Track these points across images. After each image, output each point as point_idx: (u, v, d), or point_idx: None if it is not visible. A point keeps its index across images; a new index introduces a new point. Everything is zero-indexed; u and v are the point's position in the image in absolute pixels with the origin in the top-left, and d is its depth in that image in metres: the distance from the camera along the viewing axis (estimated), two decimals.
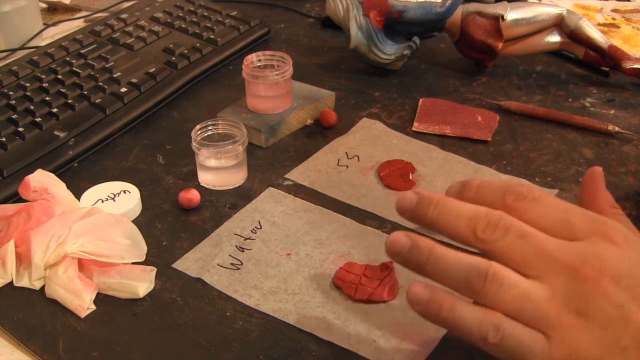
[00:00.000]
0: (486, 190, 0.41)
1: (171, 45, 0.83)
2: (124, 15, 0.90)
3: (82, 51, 0.81)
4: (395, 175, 0.65)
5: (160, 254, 0.56)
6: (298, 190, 0.63)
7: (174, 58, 0.81)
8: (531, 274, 0.37)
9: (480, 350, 0.47)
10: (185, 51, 0.82)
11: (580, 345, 0.37)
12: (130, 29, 0.87)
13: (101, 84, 0.75)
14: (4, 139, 0.66)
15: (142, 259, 0.55)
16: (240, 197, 0.63)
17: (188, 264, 0.55)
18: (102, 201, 0.60)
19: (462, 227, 0.39)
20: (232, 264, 0.55)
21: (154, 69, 0.78)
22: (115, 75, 0.76)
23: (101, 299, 0.52)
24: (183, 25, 0.88)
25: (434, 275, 0.39)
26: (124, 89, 0.74)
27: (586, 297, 0.36)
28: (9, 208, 0.58)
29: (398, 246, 0.39)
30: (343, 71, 0.84)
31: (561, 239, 0.38)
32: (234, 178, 0.64)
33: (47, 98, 0.72)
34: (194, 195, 0.61)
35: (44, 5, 1.04)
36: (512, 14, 0.78)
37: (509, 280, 0.37)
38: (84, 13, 1.03)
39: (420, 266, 0.39)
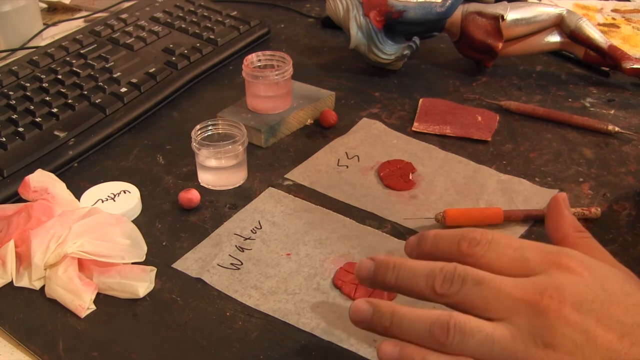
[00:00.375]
0: (442, 241, 0.42)
1: (171, 45, 0.83)
2: (124, 15, 0.90)
3: (82, 51, 0.81)
4: (395, 175, 0.65)
5: (160, 254, 0.56)
6: (298, 190, 0.63)
7: (174, 58, 0.81)
8: (494, 317, 0.38)
9: None
10: (185, 51, 0.82)
11: None
12: (130, 29, 0.87)
13: (101, 84, 0.75)
14: (4, 139, 0.66)
15: (142, 259, 0.55)
16: (240, 197, 0.63)
17: (188, 264, 0.55)
18: (102, 201, 0.60)
19: (422, 286, 0.40)
20: (232, 264, 0.55)
21: (154, 69, 0.78)
22: (115, 75, 0.76)
23: (101, 299, 0.52)
24: (183, 25, 0.88)
25: (401, 335, 0.39)
26: (124, 89, 0.74)
27: (550, 328, 0.37)
28: (9, 208, 0.58)
29: (361, 314, 0.41)
30: (343, 71, 0.84)
31: (519, 276, 0.38)
32: (234, 178, 0.64)
33: (47, 98, 0.72)
34: (194, 195, 0.61)
35: (44, 5, 1.04)
36: (512, 14, 0.78)
37: (470, 327, 0.37)
38: (84, 13, 1.03)
39: (385, 329, 0.40)
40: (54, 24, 0.99)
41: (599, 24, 0.93)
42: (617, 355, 0.36)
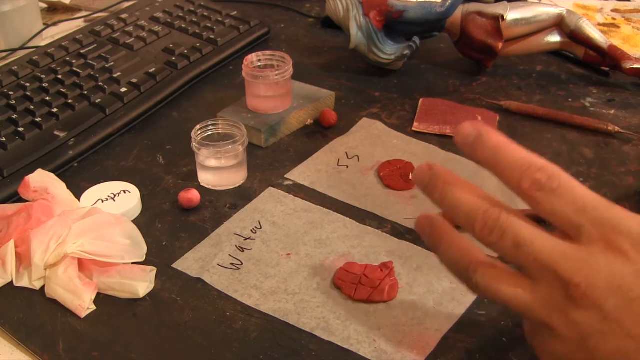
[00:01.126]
0: (502, 161, 0.40)
1: (171, 45, 0.83)
2: (124, 15, 0.90)
3: (82, 51, 0.81)
4: (395, 175, 0.65)
5: (160, 254, 0.56)
6: (298, 190, 0.63)
7: (174, 58, 0.81)
8: (524, 271, 0.38)
9: (483, 350, 0.47)
10: (185, 51, 0.82)
11: (554, 349, 0.38)
12: (130, 29, 0.87)
13: (101, 84, 0.75)
14: (4, 139, 0.66)
15: (142, 259, 0.55)
16: (240, 197, 0.63)
17: (188, 264, 0.55)
18: (102, 201, 0.60)
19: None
20: (232, 264, 0.55)
21: (154, 69, 0.78)
22: (115, 75, 0.76)
23: (101, 299, 0.52)
24: (183, 25, 0.88)
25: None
26: (124, 89, 0.74)
27: (569, 310, 0.36)
28: (9, 208, 0.58)
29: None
30: (343, 71, 0.83)
31: (566, 239, 0.37)
32: (234, 178, 0.64)
33: (47, 98, 0.72)
34: (194, 195, 0.61)
35: (44, 5, 1.04)
36: (512, 14, 0.78)
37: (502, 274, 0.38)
38: (84, 13, 1.03)
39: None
40: (54, 24, 0.99)
41: (599, 24, 0.93)
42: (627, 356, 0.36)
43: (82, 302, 0.51)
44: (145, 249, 0.56)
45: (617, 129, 0.70)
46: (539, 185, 0.38)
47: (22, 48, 0.91)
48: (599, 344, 0.36)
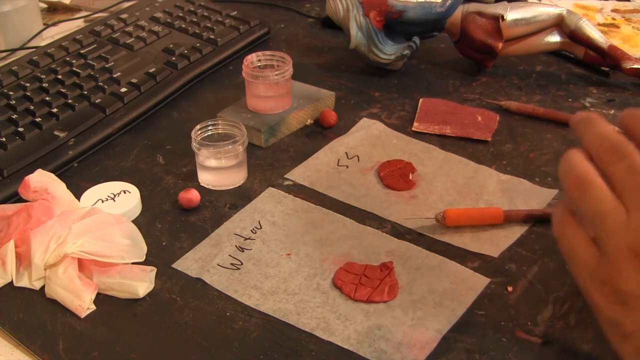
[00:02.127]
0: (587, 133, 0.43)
1: (171, 45, 0.83)
2: (124, 15, 0.90)
3: (82, 51, 0.81)
4: (395, 175, 0.65)
5: (160, 254, 0.56)
6: (298, 190, 0.63)
7: (174, 58, 0.81)
8: (623, 199, 0.40)
9: (483, 350, 0.47)
10: (185, 51, 0.82)
11: (625, 279, 0.39)
12: (130, 29, 0.87)
13: (101, 84, 0.75)
14: (4, 139, 0.66)
15: (142, 259, 0.55)
16: (240, 197, 0.63)
17: (188, 264, 0.55)
18: (102, 201, 0.60)
19: (594, 145, 0.42)
20: (232, 264, 0.55)
21: (154, 69, 0.78)
22: (115, 75, 0.76)
23: (101, 299, 0.52)
24: (183, 25, 0.88)
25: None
26: (124, 89, 0.74)
27: None
28: (9, 208, 0.58)
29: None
30: (343, 71, 0.83)
31: None
32: (234, 178, 0.64)
33: (47, 98, 0.72)
34: (194, 195, 0.61)
35: (44, 5, 1.04)
36: (512, 14, 0.78)
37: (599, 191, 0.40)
38: (84, 13, 1.03)
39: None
40: (54, 24, 0.99)
41: (599, 24, 0.93)
42: None
43: (82, 302, 0.51)
44: (145, 249, 0.56)
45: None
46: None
47: (22, 48, 0.91)
48: None
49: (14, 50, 0.90)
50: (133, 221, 0.58)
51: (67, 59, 0.80)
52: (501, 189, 0.63)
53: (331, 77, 0.82)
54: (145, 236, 0.57)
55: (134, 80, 0.76)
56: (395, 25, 0.78)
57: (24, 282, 0.53)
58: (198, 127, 0.64)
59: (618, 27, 0.93)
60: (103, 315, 0.51)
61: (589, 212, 0.41)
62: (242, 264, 0.55)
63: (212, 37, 0.85)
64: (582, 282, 0.42)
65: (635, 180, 0.39)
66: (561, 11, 0.79)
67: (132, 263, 0.54)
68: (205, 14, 0.91)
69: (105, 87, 0.74)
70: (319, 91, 0.75)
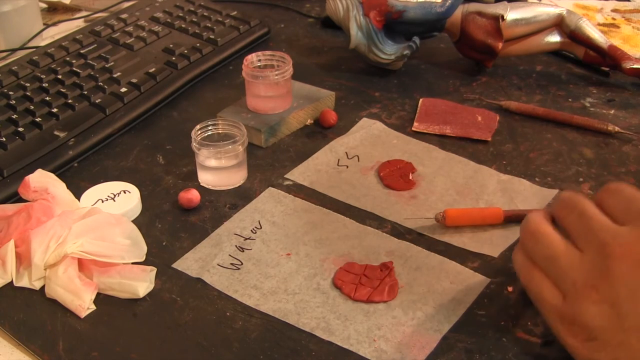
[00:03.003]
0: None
1: (171, 45, 0.83)
2: (124, 15, 0.90)
3: (82, 51, 0.81)
4: (395, 175, 0.65)
5: (160, 254, 0.56)
6: (298, 190, 0.63)
7: (174, 58, 0.81)
8: (577, 243, 0.44)
9: (483, 350, 0.47)
10: (185, 51, 0.82)
11: (587, 314, 0.42)
12: (130, 29, 0.87)
13: (101, 84, 0.75)
14: (4, 139, 0.66)
15: (142, 259, 0.55)
16: (240, 197, 0.63)
17: (188, 264, 0.55)
18: (102, 201, 0.60)
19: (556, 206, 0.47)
20: (232, 264, 0.55)
21: (154, 69, 0.78)
22: (115, 75, 0.76)
23: (101, 299, 0.52)
24: (183, 25, 0.88)
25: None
26: (124, 89, 0.74)
27: (605, 273, 0.41)
28: (9, 208, 0.58)
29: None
30: (343, 71, 0.83)
31: (617, 222, 0.43)
32: (234, 178, 0.64)
33: (47, 98, 0.72)
34: (194, 195, 0.61)
35: (44, 5, 1.04)
36: (512, 14, 0.78)
37: (549, 237, 0.45)
38: (84, 13, 1.03)
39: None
40: (54, 24, 0.99)
41: (599, 24, 0.93)
42: None
43: (82, 302, 0.51)
44: (145, 249, 0.56)
45: (617, 129, 0.70)
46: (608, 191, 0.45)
47: (22, 48, 0.91)
48: (630, 311, 0.40)
49: (14, 50, 0.90)
50: (133, 221, 0.58)
51: (67, 59, 0.80)
52: (501, 189, 0.63)
53: (331, 77, 0.82)
54: (145, 236, 0.57)
55: (134, 80, 0.76)
56: (395, 25, 0.78)
57: (24, 282, 0.53)
58: (198, 127, 0.64)
59: (618, 27, 0.93)
60: (103, 315, 0.51)
61: (543, 258, 0.45)
62: (242, 264, 0.55)
63: (212, 37, 0.85)
64: (554, 326, 0.45)
65: (585, 223, 0.43)
66: (561, 11, 0.78)
67: (132, 263, 0.54)
68: (205, 14, 0.91)
69: (105, 87, 0.74)
70: (319, 91, 0.75)
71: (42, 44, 0.90)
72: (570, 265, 0.43)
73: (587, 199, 0.45)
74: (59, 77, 0.76)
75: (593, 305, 0.41)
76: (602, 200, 0.44)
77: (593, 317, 0.41)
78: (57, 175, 0.61)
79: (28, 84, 0.74)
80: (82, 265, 0.53)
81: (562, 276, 0.43)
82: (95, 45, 0.83)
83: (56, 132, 0.68)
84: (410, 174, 0.65)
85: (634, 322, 0.40)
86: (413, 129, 0.72)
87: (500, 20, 0.77)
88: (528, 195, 0.62)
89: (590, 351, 0.42)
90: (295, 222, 0.60)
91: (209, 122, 0.65)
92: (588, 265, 0.42)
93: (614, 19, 0.95)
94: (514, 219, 0.58)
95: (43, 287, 0.53)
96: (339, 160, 0.67)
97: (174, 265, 0.55)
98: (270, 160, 0.68)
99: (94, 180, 0.64)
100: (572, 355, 0.44)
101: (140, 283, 0.52)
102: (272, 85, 0.70)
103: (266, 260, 0.56)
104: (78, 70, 0.77)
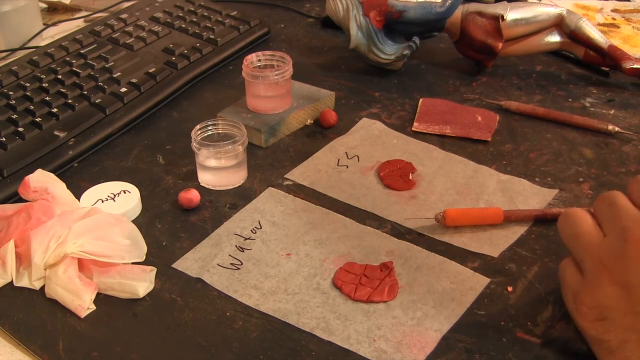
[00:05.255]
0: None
1: (171, 45, 0.83)
2: (124, 15, 0.90)
3: (82, 51, 0.81)
4: (395, 175, 0.65)
5: (160, 254, 0.56)
6: (298, 190, 0.63)
7: (174, 58, 0.81)
8: (603, 228, 0.45)
9: (483, 350, 0.47)
10: (185, 51, 0.82)
11: (600, 293, 0.43)
12: (130, 29, 0.87)
13: (101, 84, 0.75)
14: (4, 139, 0.66)
15: (142, 259, 0.55)
16: (240, 197, 0.63)
17: (188, 264, 0.55)
18: (102, 201, 0.60)
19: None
20: (232, 264, 0.55)
21: (154, 69, 0.78)
22: (115, 75, 0.76)
23: (101, 299, 0.52)
24: (183, 25, 0.88)
25: None
26: (124, 89, 0.74)
27: (621, 256, 0.42)
28: (9, 208, 0.58)
29: None
30: (343, 71, 0.83)
31: None
32: (234, 178, 0.64)
33: (47, 98, 0.72)
34: (194, 195, 0.61)
35: (44, 5, 1.04)
36: (512, 14, 0.78)
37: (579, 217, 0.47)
38: (84, 13, 1.03)
39: None
40: (54, 24, 0.99)
41: (599, 24, 0.93)
42: None
43: (82, 302, 0.51)
44: (145, 249, 0.56)
45: (617, 129, 0.70)
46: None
47: (22, 48, 0.91)
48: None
49: (14, 50, 0.90)
50: (133, 221, 0.58)
51: (67, 59, 0.80)
52: (501, 189, 0.63)
53: (331, 77, 0.82)
54: (145, 236, 0.57)
55: (134, 80, 0.76)
56: (395, 25, 0.78)
57: (24, 282, 0.53)
58: (198, 127, 0.64)
59: (618, 27, 0.93)
60: (103, 315, 0.51)
61: (569, 235, 0.47)
62: (242, 264, 0.55)
63: (212, 37, 0.85)
64: (568, 305, 0.47)
65: (613, 210, 0.45)
66: (561, 11, 0.78)
67: (132, 263, 0.54)
68: (205, 14, 0.91)
69: (105, 87, 0.74)
70: (319, 91, 0.75)
71: (42, 44, 0.90)
72: (590, 244, 0.45)
73: (622, 193, 0.46)
74: (59, 77, 0.76)
75: (607, 286, 0.43)
76: (632, 192, 0.46)
77: (605, 297, 0.43)
78: (57, 175, 0.61)
79: (28, 84, 0.74)
80: (82, 265, 0.53)
81: (583, 254, 0.45)
82: (95, 45, 0.83)
83: (56, 132, 0.68)
84: (410, 174, 0.65)
85: None
86: (413, 129, 0.72)
87: (500, 20, 0.77)
88: (528, 195, 0.62)
89: (600, 332, 0.43)
90: (295, 222, 0.60)
91: (209, 122, 0.65)
92: (607, 247, 0.44)
93: (613, 19, 0.95)
94: (513, 219, 0.58)
95: (43, 287, 0.53)
96: (339, 160, 0.67)
97: (174, 265, 0.55)
98: (270, 160, 0.68)
99: (94, 180, 0.64)
100: (584, 336, 0.45)
101: (140, 283, 0.52)
102: (272, 85, 0.70)
103: (266, 260, 0.56)
104: (78, 70, 0.77)
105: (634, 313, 0.42)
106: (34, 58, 0.80)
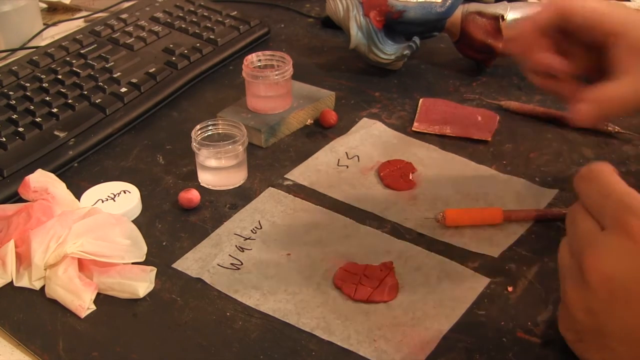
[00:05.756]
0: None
1: (171, 45, 0.83)
2: (124, 15, 0.90)
3: (82, 51, 0.81)
4: (395, 175, 0.65)
5: (160, 254, 0.56)
6: (298, 190, 0.63)
7: (174, 58, 0.81)
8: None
9: (483, 350, 0.47)
10: (185, 51, 0.82)
11: (574, 318, 0.42)
12: (130, 29, 0.87)
13: (101, 84, 0.75)
14: (4, 139, 0.66)
15: (142, 259, 0.55)
16: (240, 197, 0.63)
17: (188, 264, 0.55)
18: (102, 201, 0.60)
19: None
20: (232, 264, 0.55)
21: (154, 69, 0.78)
22: (115, 75, 0.76)
23: (101, 299, 0.52)
24: (183, 25, 0.88)
25: None
26: (124, 89, 0.74)
27: (581, 282, 0.41)
28: (9, 208, 0.58)
29: None
30: (343, 71, 0.83)
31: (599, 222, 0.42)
32: (234, 178, 0.64)
33: (47, 98, 0.72)
34: (194, 195, 0.61)
35: (44, 5, 1.04)
36: (512, 14, 0.78)
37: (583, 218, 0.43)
38: (84, 13, 1.03)
39: None
40: (54, 24, 0.99)
41: None
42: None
43: (82, 302, 0.51)
44: (145, 249, 0.56)
45: (617, 129, 0.70)
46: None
47: (22, 48, 0.91)
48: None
49: (14, 50, 0.90)
50: (133, 221, 0.58)
51: (67, 59, 0.80)
52: (501, 189, 0.63)
53: (331, 77, 0.82)
54: (145, 236, 0.57)
55: (134, 80, 0.76)
56: (395, 25, 0.78)
57: (24, 282, 0.53)
58: (198, 127, 0.64)
59: None
60: (103, 315, 0.51)
61: (570, 230, 0.44)
62: (242, 264, 0.55)
63: (212, 37, 0.85)
64: (561, 330, 0.46)
65: (572, 230, 0.43)
66: None
67: (132, 263, 0.54)
68: (205, 14, 0.91)
69: (105, 87, 0.74)
70: (319, 91, 0.75)
71: (42, 44, 0.90)
72: (562, 267, 0.44)
73: (578, 204, 0.45)
74: (59, 77, 0.76)
75: (577, 311, 0.42)
76: (581, 194, 0.45)
77: (576, 322, 0.42)
78: (57, 175, 0.61)
79: (28, 84, 0.74)
80: (82, 265, 0.53)
81: (560, 273, 0.44)
82: (95, 45, 0.83)
83: (56, 132, 0.68)
84: (410, 174, 0.65)
85: (613, 328, 0.40)
86: (413, 129, 0.72)
87: (500, 20, 0.77)
88: (528, 195, 0.62)
89: (581, 352, 0.44)
90: (295, 222, 0.60)
91: (209, 122, 0.65)
92: (571, 272, 0.42)
93: None
94: (514, 219, 0.58)
95: (43, 287, 0.53)
96: (339, 160, 0.67)
97: (174, 265, 0.55)
98: (270, 160, 0.68)
99: (94, 180, 0.64)
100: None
101: (140, 283, 0.52)
102: (272, 85, 0.70)
103: (266, 260, 0.56)
104: (78, 70, 0.77)
105: (602, 335, 0.41)
106: (34, 58, 0.80)
